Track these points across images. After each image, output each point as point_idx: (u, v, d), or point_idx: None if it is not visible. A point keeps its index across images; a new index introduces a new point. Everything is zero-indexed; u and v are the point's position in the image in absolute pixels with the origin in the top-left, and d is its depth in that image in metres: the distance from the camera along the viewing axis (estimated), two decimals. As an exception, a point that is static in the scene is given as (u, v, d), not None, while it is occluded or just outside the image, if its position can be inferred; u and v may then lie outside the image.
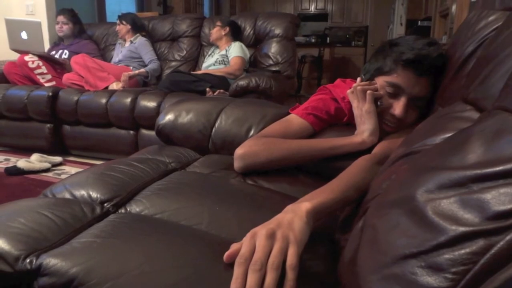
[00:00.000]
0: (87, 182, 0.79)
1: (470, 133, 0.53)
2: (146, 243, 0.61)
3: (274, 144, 0.96)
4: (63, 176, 2.47)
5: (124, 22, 3.22)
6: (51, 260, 0.55)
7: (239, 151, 0.95)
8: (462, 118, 0.61)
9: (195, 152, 1.08)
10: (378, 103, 0.99)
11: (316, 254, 0.68)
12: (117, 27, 3.25)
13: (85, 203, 0.71)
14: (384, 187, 0.62)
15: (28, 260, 0.56)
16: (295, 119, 1.07)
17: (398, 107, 0.94)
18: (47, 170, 2.55)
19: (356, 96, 0.99)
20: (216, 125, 1.14)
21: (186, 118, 1.16)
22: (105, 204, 0.73)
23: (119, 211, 0.72)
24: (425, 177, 0.51)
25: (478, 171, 0.44)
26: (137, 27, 3.26)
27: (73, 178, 0.83)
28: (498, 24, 0.78)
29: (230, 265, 0.60)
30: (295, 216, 0.60)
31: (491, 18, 0.81)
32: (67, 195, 0.76)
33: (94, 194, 0.75)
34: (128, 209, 0.72)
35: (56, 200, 0.73)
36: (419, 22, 5.41)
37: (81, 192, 0.76)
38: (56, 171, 2.56)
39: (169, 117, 1.17)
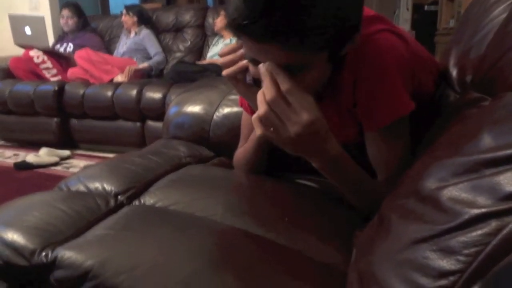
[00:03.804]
0: (101, 175, 0.79)
1: (480, 119, 0.53)
2: (159, 235, 0.61)
3: (245, 150, 0.91)
4: (72, 170, 2.49)
5: (130, 14, 3.20)
6: (66, 253, 0.56)
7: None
8: None
9: (209, 150, 1.08)
10: (247, 79, 0.70)
11: (332, 245, 0.69)
12: (123, 18, 3.23)
13: (99, 196, 0.72)
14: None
15: (43, 254, 0.56)
16: (244, 113, 0.94)
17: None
18: (56, 164, 2.57)
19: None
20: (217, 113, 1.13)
21: (191, 108, 1.16)
22: (119, 196, 0.73)
23: (133, 203, 0.73)
24: (438, 167, 0.50)
25: (490, 155, 0.44)
26: (144, 19, 3.24)
27: (87, 171, 0.84)
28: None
29: (246, 256, 0.61)
30: None
31: None
32: (82, 188, 0.77)
33: (108, 187, 0.76)
34: (142, 201, 0.73)
35: (70, 193, 0.74)
36: (426, 6, 5.33)
37: (95, 185, 0.76)
38: (65, 165, 2.58)
39: (176, 109, 1.17)
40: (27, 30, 3.04)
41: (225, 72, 0.71)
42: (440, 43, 3.81)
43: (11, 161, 2.62)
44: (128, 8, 3.25)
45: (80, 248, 0.57)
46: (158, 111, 2.54)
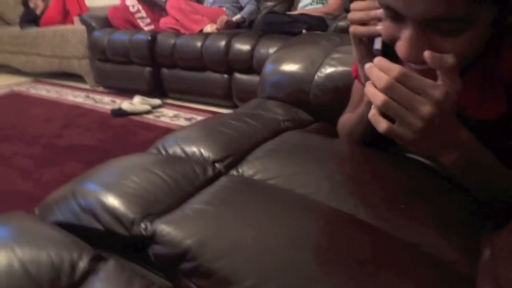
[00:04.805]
0: (199, 138, 0.75)
1: None
2: (258, 215, 0.55)
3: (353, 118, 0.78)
4: (162, 119, 2.57)
5: None
6: (164, 228, 0.52)
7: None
8: None
9: (308, 114, 0.98)
10: (376, 44, 0.59)
11: (449, 242, 0.58)
12: None
13: (197, 163, 0.68)
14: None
15: (142, 225, 0.53)
16: (356, 81, 0.83)
17: (400, 46, 0.53)
18: (148, 112, 2.67)
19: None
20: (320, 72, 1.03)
21: (290, 67, 1.07)
22: (217, 164, 0.69)
23: (231, 172, 0.68)
24: None
25: None
26: None
27: (184, 132, 0.80)
28: None
29: (357, 249, 0.53)
30: None
31: None
32: (179, 151, 0.73)
33: (205, 152, 0.71)
34: (240, 171, 0.67)
35: (168, 157, 0.71)
36: None
37: (193, 149, 0.72)
38: (156, 114, 2.66)
39: (273, 67, 1.08)
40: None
41: (352, 29, 0.61)
42: None
43: (108, 107, 2.77)
44: None
45: (179, 224, 0.53)
46: (246, 64, 2.48)
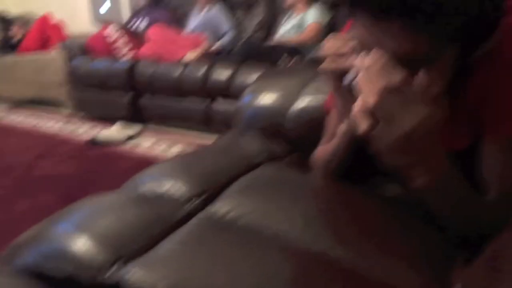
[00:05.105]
0: (174, 174, 0.74)
1: None
2: (231, 256, 0.54)
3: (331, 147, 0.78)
4: (141, 147, 2.55)
5: None
6: (135, 272, 0.51)
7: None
8: None
9: (285, 144, 0.99)
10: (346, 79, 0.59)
11: (422, 277, 0.59)
12: None
13: (172, 200, 0.67)
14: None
15: (112, 270, 0.52)
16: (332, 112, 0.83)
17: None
18: (126, 140, 2.65)
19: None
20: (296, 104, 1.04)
21: (267, 99, 1.08)
22: (192, 202, 0.68)
23: (206, 209, 0.67)
24: None
25: None
26: None
27: (159, 168, 0.80)
28: None
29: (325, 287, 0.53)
30: None
31: None
32: (154, 188, 0.72)
33: (181, 189, 0.70)
34: (215, 208, 0.67)
35: (142, 196, 0.69)
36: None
37: (168, 186, 0.71)
38: (135, 142, 2.64)
39: (250, 98, 1.09)
40: (106, 6, 3.13)
41: (325, 64, 0.63)
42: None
43: (87, 135, 2.74)
44: None
45: (151, 267, 0.52)
46: (226, 90, 2.51)
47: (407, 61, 0.51)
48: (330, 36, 0.66)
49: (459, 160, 0.66)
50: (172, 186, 0.72)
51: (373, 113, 0.51)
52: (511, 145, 0.60)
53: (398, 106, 0.50)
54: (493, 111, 0.61)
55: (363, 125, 0.52)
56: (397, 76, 0.50)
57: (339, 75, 0.63)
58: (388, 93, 0.50)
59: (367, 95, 0.51)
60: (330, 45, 0.63)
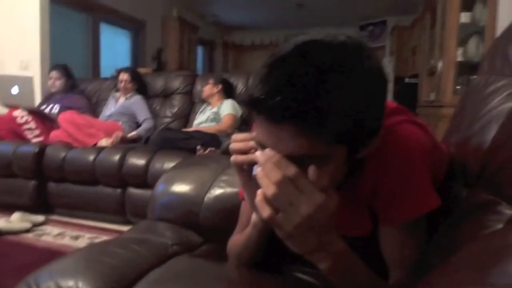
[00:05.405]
0: (76, 271, 0.70)
1: (507, 237, 0.48)
2: None
3: (244, 237, 0.82)
4: (44, 238, 2.34)
5: (129, 77, 3.23)
6: None
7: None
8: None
9: (198, 235, 1.00)
10: (254, 171, 0.65)
11: None
12: (121, 77, 3.24)
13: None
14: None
15: None
16: (243, 202, 0.88)
17: None
18: (28, 230, 2.42)
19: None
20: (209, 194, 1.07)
21: (180, 188, 1.10)
22: (95, 301, 0.65)
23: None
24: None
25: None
26: (141, 85, 3.29)
27: (60, 264, 0.75)
28: (509, 91, 0.76)
29: None
30: None
31: (500, 83, 0.80)
32: (53, 287, 0.67)
33: (83, 286, 0.67)
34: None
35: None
36: (406, 79, 5.57)
37: (69, 284, 0.67)
38: (38, 232, 2.42)
39: (163, 188, 1.10)
40: (14, 90, 3.02)
41: (233, 158, 0.68)
42: (422, 114, 3.93)
43: (-21, 226, 2.45)
44: (127, 70, 3.28)
45: None
46: (141, 178, 2.47)
47: (302, 159, 0.58)
48: (236, 133, 0.72)
49: (367, 244, 0.73)
50: (75, 285, 0.68)
51: (271, 203, 0.56)
52: (406, 229, 0.69)
53: (294, 196, 0.55)
54: (382, 203, 0.70)
55: (264, 214, 0.57)
56: (291, 169, 0.55)
57: (246, 168, 0.68)
58: (284, 185, 0.55)
59: (266, 187, 0.56)
60: (238, 140, 0.70)
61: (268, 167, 0.56)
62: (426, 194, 0.67)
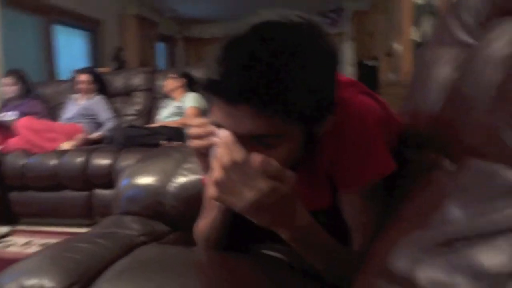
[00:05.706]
0: (41, 269, 0.69)
1: (445, 186, 0.51)
2: None
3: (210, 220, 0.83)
4: (10, 249, 2.26)
5: (89, 77, 3.14)
6: None
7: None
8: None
9: (165, 225, 0.99)
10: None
11: None
12: (81, 78, 3.14)
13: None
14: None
15: None
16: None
17: None
18: (-8, 242, 2.33)
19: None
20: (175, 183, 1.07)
21: (144, 180, 1.09)
22: (61, 295, 0.64)
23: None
24: (407, 242, 0.47)
25: (461, 228, 0.41)
26: (101, 84, 3.21)
27: (24, 264, 0.73)
28: (446, 58, 0.80)
29: None
30: None
31: (441, 52, 0.84)
32: (16, 288, 0.66)
33: (48, 284, 0.65)
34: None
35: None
36: (367, 62, 5.70)
37: (33, 283, 0.66)
38: (3, 244, 2.34)
39: (128, 181, 1.09)
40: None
41: (192, 143, 0.68)
42: (384, 94, 4.04)
43: None
44: (92, 73, 3.20)
45: None
46: (107, 178, 2.43)
47: (260, 138, 0.59)
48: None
49: (329, 217, 0.75)
50: (39, 283, 0.67)
51: (218, 186, 0.56)
52: (366, 194, 0.71)
53: (240, 182, 0.55)
54: (341, 172, 0.72)
55: (212, 195, 0.57)
56: (238, 154, 0.55)
57: (205, 153, 0.69)
58: (231, 170, 0.55)
59: (215, 170, 0.56)
60: (196, 125, 0.70)
61: (220, 150, 0.56)
62: (382, 159, 0.69)
